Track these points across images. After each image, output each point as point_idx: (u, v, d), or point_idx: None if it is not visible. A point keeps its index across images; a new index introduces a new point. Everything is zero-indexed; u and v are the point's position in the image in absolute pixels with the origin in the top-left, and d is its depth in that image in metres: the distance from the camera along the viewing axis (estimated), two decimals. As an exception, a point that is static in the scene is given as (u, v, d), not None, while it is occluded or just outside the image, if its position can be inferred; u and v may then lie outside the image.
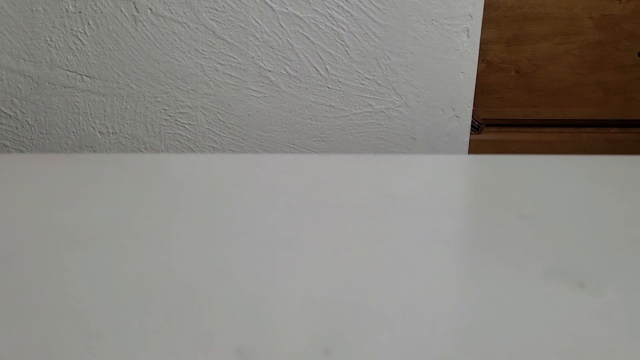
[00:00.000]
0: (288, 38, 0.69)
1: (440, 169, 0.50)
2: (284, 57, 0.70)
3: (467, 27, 0.71)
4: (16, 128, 0.70)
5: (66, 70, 0.68)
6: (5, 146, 0.70)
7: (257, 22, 0.68)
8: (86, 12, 0.67)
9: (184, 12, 0.67)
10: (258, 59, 0.70)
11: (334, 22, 0.69)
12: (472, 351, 0.26)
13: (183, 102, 0.70)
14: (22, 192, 0.43)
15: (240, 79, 0.70)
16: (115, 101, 0.70)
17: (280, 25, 0.69)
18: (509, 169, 0.49)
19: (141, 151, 0.72)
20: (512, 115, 1.08)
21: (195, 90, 0.70)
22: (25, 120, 0.70)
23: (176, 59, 0.69)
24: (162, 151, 0.72)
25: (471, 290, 0.31)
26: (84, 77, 0.69)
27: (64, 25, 0.67)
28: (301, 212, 0.40)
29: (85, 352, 0.26)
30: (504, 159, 0.54)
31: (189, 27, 0.68)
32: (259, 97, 0.71)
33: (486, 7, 1.00)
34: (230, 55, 0.69)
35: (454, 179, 0.49)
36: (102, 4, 0.67)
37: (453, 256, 0.35)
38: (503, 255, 0.35)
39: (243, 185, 0.45)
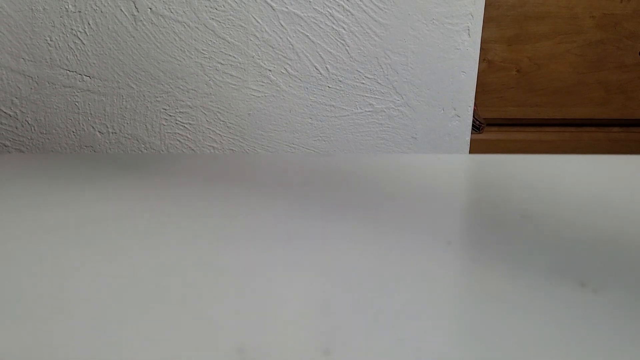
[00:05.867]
0: (288, 37, 0.69)
1: (441, 168, 0.50)
2: (284, 57, 0.70)
3: (468, 26, 0.70)
4: (16, 128, 0.70)
5: (66, 69, 0.68)
6: (5, 146, 0.70)
7: (258, 22, 0.68)
8: (86, 12, 0.67)
9: (184, 12, 0.67)
10: (258, 59, 0.69)
11: (335, 21, 0.69)
12: (472, 351, 0.26)
13: (183, 101, 0.70)
14: (22, 192, 0.42)
15: (240, 78, 0.70)
16: (115, 101, 0.70)
17: (281, 24, 0.68)
18: (510, 168, 0.49)
19: (141, 151, 0.72)
20: (513, 115, 1.08)
21: (195, 90, 0.70)
22: (25, 120, 0.69)
23: (176, 59, 0.69)
24: (162, 151, 0.72)
25: (472, 290, 0.31)
26: (84, 76, 0.69)
27: (64, 25, 0.67)
28: (301, 212, 0.40)
29: (85, 351, 0.26)
30: (505, 158, 0.53)
31: (189, 26, 0.68)
32: (259, 97, 0.71)
33: (487, 6, 1.00)
34: (230, 55, 0.69)
35: (454, 179, 0.49)
36: (102, 3, 0.66)
37: (454, 256, 0.35)
38: (504, 255, 0.35)
39: (243, 185, 0.45)
